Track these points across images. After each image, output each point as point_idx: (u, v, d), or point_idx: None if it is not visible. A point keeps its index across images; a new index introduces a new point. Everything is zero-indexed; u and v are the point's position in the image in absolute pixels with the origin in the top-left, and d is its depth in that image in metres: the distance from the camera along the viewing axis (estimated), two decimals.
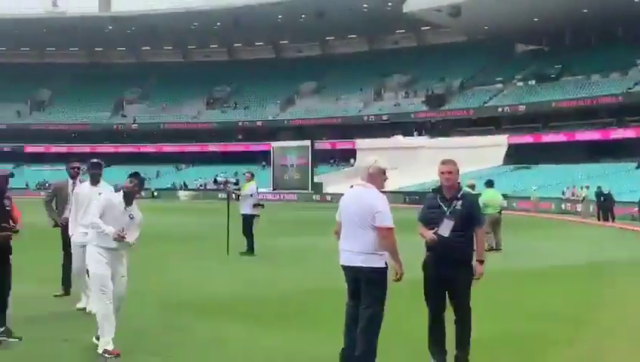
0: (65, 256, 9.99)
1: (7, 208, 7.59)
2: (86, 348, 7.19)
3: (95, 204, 7.26)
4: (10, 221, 7.58)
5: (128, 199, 7.22)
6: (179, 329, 8.22)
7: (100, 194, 9.00)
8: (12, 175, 7.83)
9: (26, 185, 69.29)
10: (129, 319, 7.93)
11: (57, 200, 10.07)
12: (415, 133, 69.13)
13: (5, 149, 77.30)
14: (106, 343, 6.84)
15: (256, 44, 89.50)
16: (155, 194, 64.61)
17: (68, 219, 9.49)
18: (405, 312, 8.53)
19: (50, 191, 10.37)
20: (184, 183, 72.48)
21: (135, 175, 7.29)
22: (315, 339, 7.79)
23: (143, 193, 8.75)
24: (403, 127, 69.95)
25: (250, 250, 16.40)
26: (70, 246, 9.45)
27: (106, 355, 6.74)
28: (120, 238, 7.06)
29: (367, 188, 6.41)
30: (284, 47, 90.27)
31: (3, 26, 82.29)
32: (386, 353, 6.49)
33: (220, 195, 56.62)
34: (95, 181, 9.24)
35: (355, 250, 6.24)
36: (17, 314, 7.97)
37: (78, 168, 10.09)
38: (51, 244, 10.89)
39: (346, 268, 6.39)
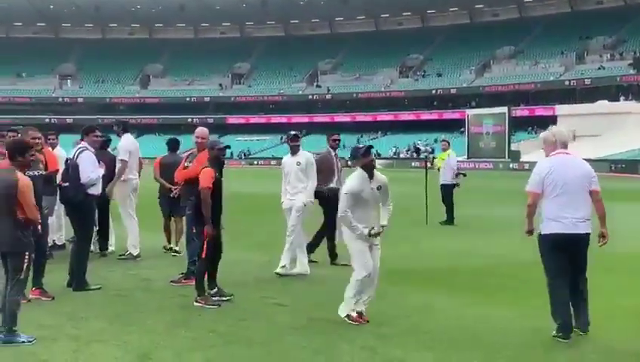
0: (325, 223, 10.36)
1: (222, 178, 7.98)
2: (295, 310, 7.45)
3: (342, 198, 7.05)
4: None
5: (370, 172, 7.03)
6: (384, 296, 8.21)
7: (298, 163, 9.37)
8: (228, 147, 8.21)
9: (231, 155, 72.95)
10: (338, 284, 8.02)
11: (319, 170, 10.24)
12: (621, 97, 65.09)
13: (209, 121, 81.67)
14: (349, 309, 6.97)
15: (450, 9, 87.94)
16: (350, 163, 65.74)
17: (334, 188, 9.84)
18: (620, 287, 8.42)
19: (316, 161, 10.57)
20: (377, 152, 72.97)
21: (369, 150, 7.10)
22: (522, 311, 7.54)
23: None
24: (607, 92, 66.16)
25: (450, 219, 16.15)
26: (329, 214, 10.03)
27: (348, 320, 6.91)
28: (376, 235, 7.01)
29: (574, 155, 6.59)
30: (478, 11, 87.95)
31: (206, 2, 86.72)
32: (604, 328, 6.41)
33: (413, 164, 56.58)
34: (294, 151, 9.75)
35: (581, 216, 6.34)
36: (229, 278, 8.33)
37: (339, 140, 10.59)
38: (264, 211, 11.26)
39: (563, 237, 6.35)
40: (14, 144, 6.63)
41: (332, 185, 10.04)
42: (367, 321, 6.95)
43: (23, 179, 6.33)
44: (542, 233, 6.49)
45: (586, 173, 6.40)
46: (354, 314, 6.95)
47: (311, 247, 10.33)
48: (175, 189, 10.24)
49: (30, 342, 6.23)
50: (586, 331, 6.41)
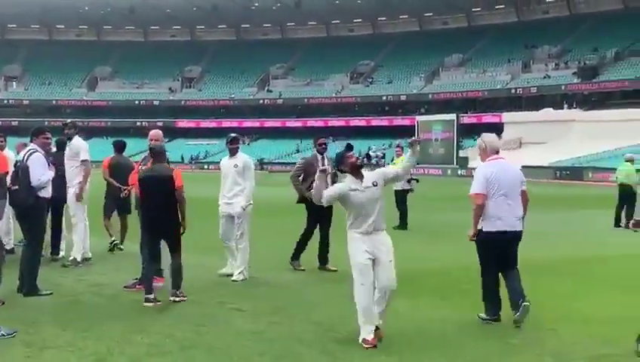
0: (307, 229, 10.34)
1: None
2: (254, 315, 7.38)
3: (331, 189, 6.67)
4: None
5: (356, 172, 6.63)
6: (343, 300, 8.18)
7: (235, 165, 9.34)
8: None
9: (181, 159, 72.47)
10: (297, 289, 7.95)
11: (305, 175, 10.21)
12: (565, 105, 66.47)
13: (158, 124, 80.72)
14: (365, 333, 6.42)
15: (401, 17, 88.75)
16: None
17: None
18: (568, 291, 8.75)
19: (300, 166, 10.53)
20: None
21: (348, 149, 6.74)
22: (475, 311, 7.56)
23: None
24: (552, 100, 67.58)
25: (403, 225, 16.25)
26: (312, 220, 10.17)
27: (364, 345, 6.37)
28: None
29: (507, 160, 7.30)
30: (428, 19, 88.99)
31: (156, 5, 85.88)
32: (556, 333, 6.64)
33: (364, 170, 56.84)
34: (232, 153, 9.64)
35: (518, 215, 7.08)
36: (186, 282, 8.25)
37: (326, 144, 10.42)
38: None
39: (503, 234, 6.99)
40: None
41: None
42: (381, 338, 6.43)
43: None
44: (485, 230, 7.03)
45: (519, 176, 7.19)
46: (369, 337, 6.38)
47: (296, 254, 10.36)
48: (125, 189, 10.37)
49: (11, 335, 6.41)
50: (527, 302, 6.93)
